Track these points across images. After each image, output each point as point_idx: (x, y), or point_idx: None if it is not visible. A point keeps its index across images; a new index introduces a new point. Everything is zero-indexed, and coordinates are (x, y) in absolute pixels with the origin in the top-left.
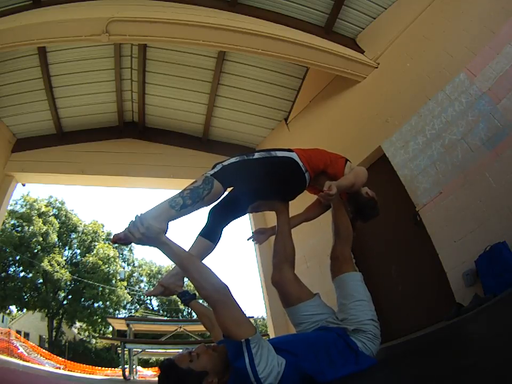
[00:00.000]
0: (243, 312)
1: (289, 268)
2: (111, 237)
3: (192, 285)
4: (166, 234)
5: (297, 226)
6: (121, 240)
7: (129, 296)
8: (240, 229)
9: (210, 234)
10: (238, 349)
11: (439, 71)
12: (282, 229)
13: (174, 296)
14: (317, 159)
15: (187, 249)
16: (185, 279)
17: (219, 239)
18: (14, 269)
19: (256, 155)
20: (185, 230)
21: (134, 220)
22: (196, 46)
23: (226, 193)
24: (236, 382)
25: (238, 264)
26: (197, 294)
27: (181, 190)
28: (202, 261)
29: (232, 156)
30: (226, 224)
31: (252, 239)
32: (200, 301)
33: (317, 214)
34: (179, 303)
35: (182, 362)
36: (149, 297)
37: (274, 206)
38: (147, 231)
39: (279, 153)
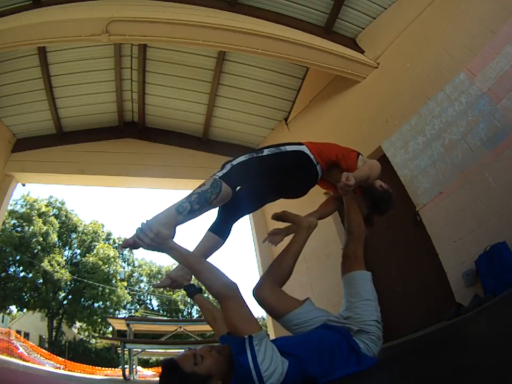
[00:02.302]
0: (250, 310)
1: (268, 285)
2: (111, 236)
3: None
4: (174, 239)
5: None
6: (131, 246)
7: (129, 296)
8: (240, 228)
9: (220, 230)
10: (241, 345)
11: (439, 71)
12: (290, 246)
13: (174, 296)
14: (328, 151)
15: (197, 244)
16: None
17: (228, 235)
18: (14, 269)
19: (266, 151)
20: (192, 225)
21: (142, 226)
22: (196, 46)
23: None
24: (238, 380)
25: (238, 264)
26: (202, 287)
27: (188, 194)
28: (210, 257)
29: (236, 155)
30: (236, 221)
31: (267, 241)
32: (205, 295)
33: (332, 210)
34: (179, 303)
35: (186, 365)
36: (149, 297)
37: (297, 220)
38: (156, 237)
39: (289, 148)
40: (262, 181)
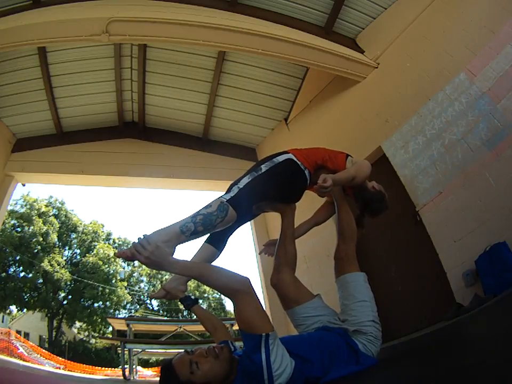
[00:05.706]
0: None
1: (288, 271)
2: (111, 236)
3: (193, 290)
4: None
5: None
6: (128, 258)
7: (129, 296)
8: (240, 230)
9: (216, 242)
10: (257, 342)
11: (439, 71)
12: (284, 233)
13: None
14: (313, 155)
15: (193, 255)
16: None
17: (224, 246)
18: (14, 269)
19: (263, 168)
20: None
21: (141, 239)
22: (196, 46)
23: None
24: (245, 378)
25: (238, 264)
26: (198, 299)
27: (193, 213)
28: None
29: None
30: (232, 232)
31: (263, 252)
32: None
33: (327, 216)
34: (179, 302)
35: (182, 372)
36: (149, 297)
37: (277, 207)
38: (155, 252)
39: (280, 158)
40: (265, 196)
